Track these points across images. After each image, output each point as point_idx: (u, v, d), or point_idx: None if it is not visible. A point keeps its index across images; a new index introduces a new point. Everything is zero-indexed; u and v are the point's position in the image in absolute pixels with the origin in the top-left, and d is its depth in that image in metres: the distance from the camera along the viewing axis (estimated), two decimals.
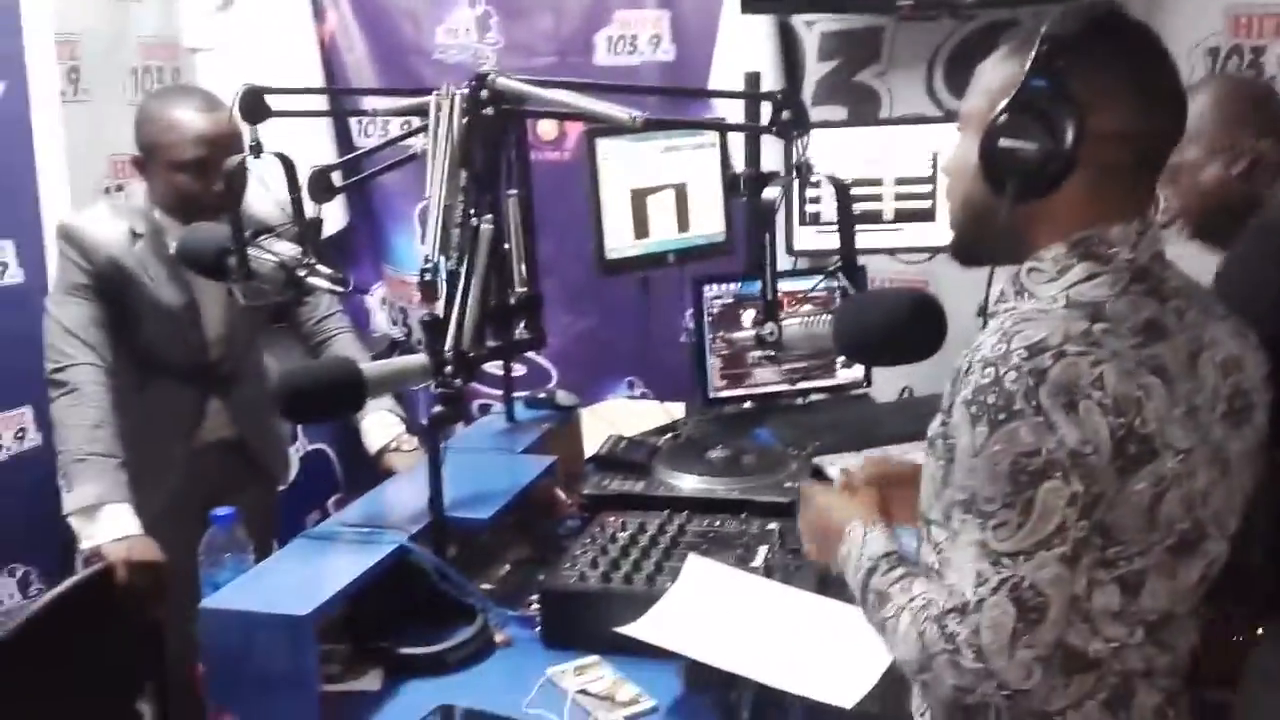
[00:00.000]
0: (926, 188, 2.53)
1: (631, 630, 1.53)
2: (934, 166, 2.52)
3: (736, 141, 2.47)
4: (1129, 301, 1.09)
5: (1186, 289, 1.16)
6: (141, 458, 2.22)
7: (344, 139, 3.30)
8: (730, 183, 2.21)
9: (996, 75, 1.14)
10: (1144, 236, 1.12)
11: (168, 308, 2.29)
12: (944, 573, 1.10)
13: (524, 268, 2.08)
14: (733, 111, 2.58)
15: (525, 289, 2.09)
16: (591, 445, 2.31)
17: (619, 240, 2.32)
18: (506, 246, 2.04)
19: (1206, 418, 1.10)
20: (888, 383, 2.59)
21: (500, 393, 2.33)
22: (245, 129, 2.00)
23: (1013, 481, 1.01)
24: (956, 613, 1.04)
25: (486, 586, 1.83)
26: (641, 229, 2.36)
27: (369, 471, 2.39)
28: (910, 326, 1.42)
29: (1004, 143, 1.08)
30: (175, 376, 2.36)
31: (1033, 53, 1.06)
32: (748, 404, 2.51)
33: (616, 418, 2.42)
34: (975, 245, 1.19)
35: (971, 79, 1.20)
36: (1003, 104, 1.08)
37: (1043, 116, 1.06)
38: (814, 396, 2.53)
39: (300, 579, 1.60)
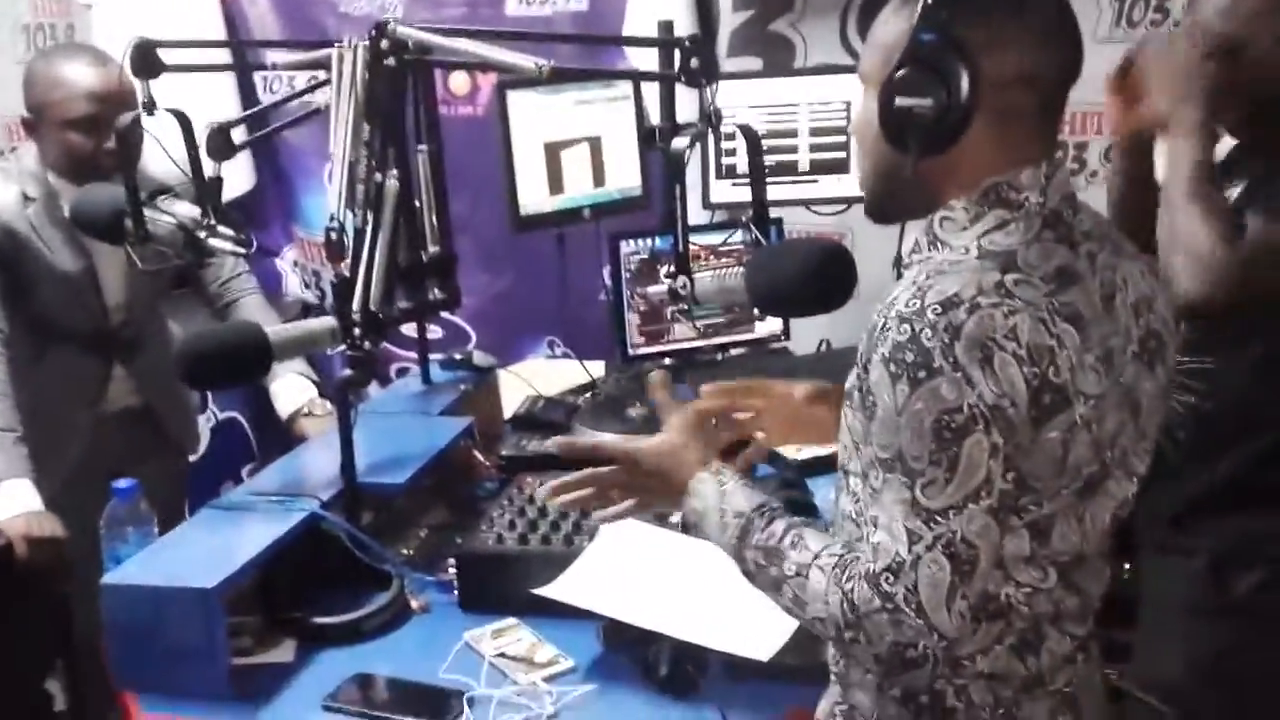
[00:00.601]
0: (840, 138, 2.52)
1: (548, 591, 1.52)
2: (847, 118, 2.51)
3: (653, 93, 2.44)
4: (1040, 249, 1.08)
5: (1098, 231, 1.15)
6: (43, 428, 2.14)
7: (249, 96, 3.19)
8: (645, 135, 2.18)
9: (888, 31, 1.12)
10: (1052, 180, 1.11)
11: (64, 273, 2.21)
12: (864, 530, 1.09)
13: (436, 225, 2.04)
14: (647, 61, 2.54)
15: (438, 248, 2.04)
16: (510, 406, 2.28)
17: (533, 196, 2.27)
18: (417, 204, 2.00)
19: (1119, 360, 1.11)
20: (806, 335, 2.59)
21: (417, 355, 2.28)
22: (138, 85, 1.92)
23: (937, 438, 1.01)
24: (889, 572, 1.03)
25: (405, 551, 1.80)
26: (556, 184, 2.31)
27: (283, 440, 2.34)
28: (821, 277, 1.41)
29: (900, 101, 1.06)
30: (75, 344, 2.28)
31: (918, 6, 1.05)
32: (667, 360, 2.49)
33: (536, 377, 2.39)
34: (887, 203, 1.18)
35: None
36: (895, 65, 1.07)
37: (935, 70, 1.04)
38: (733, 351, 2.52)
39: (206, 551, 1.56)
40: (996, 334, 1.00)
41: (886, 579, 1.04)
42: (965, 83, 1.04)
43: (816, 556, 1.10)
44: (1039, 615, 1.13)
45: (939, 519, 1.02)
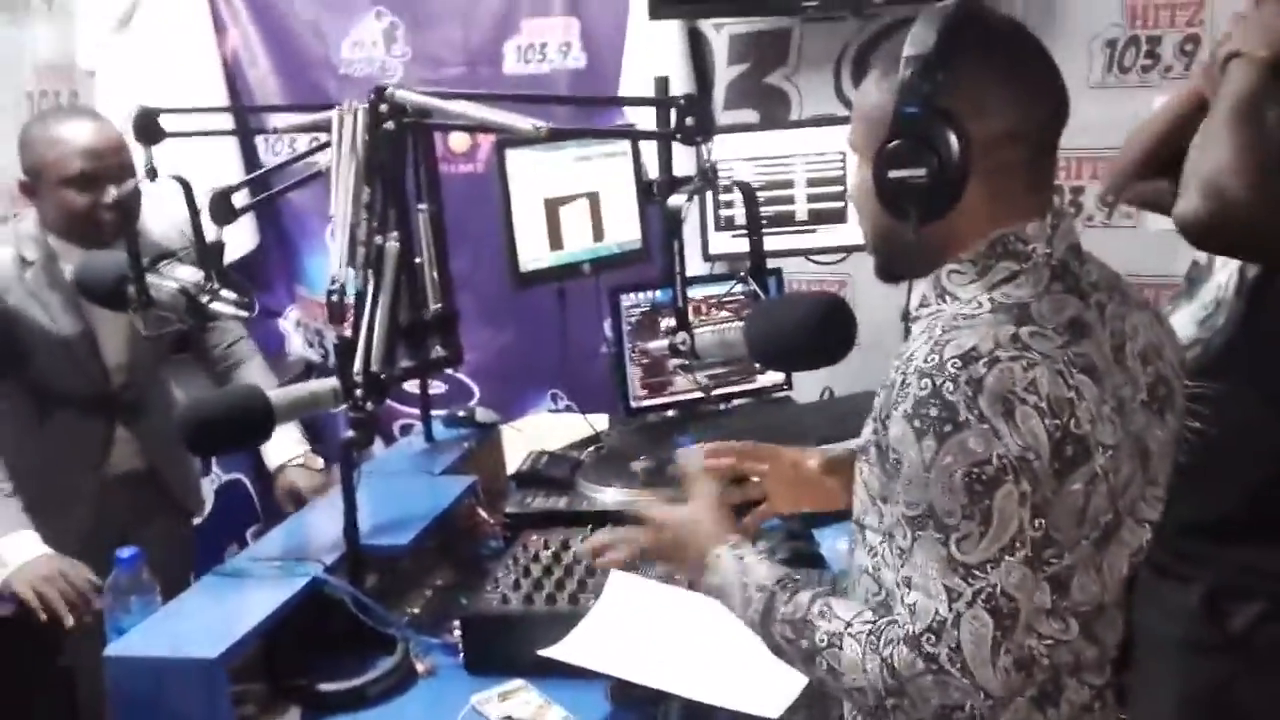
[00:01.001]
0: (837, 188, 2.53)
1: (554, 652, 1.50)
2: (843, 168, 2.53)
3: (651, 147, 2.46)
4: (1052, 301, 1.08)
5: (1105, 281, 1.16)
6: (47, 492, 2.14)
7: (251, 158, 3.22)
8: (644, 189, 2.20)
9: (872, 102, 1.13)
10: (1058, 230, 1.12)
11: (62, 337, 2.21)
12: (900, 593, 1.06)
13: (438, 283, 2.04)
14: (645, 117, 2.57)
15: (439, 305, 2.05)
16: (514, 461, 2.27)
17: (533, 252, 2.28)
18: (419, 261, 2.01)
19: (1130, 409, 1.11)
20: (809, 384, 2.59)
21: (420, 412, 2.28)
22: (140, 152, 1.94)
23: (969, 492, 1.00)
24: (931, 632, 1.02)
25: (413, 611, 1.79)
26: (556, 240, 2.32)
27: None
28: (820, 332, 1.41)
29: (894, 174, 1.08)
30: (76, 407, 2.28)
31: (899, 78, 1.07)
32: (670, 412, 2.49)
33: (539, 432, 2.39)
34: (895, 264, 1.19)
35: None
36: (883, 136, 1.08)
37: (924, 141, 1.06)
38: (736, 401, 2.52)
39: (209, 619, 1.54)
40: (1017, 387, 1.00)
41: (929, 639, 1.02)
42: (955, 149, 1.05)
43: (848, 625, 1.09)
44: (1059, 666, 1.12)
45: (977, 573, 1.01)
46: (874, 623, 1.07)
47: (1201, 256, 1.79)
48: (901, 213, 1.09)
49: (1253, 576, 1.68)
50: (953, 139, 1.05)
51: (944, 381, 1.01)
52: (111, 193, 2.10)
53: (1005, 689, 1.02)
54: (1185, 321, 1.74)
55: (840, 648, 1.09)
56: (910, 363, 1.05)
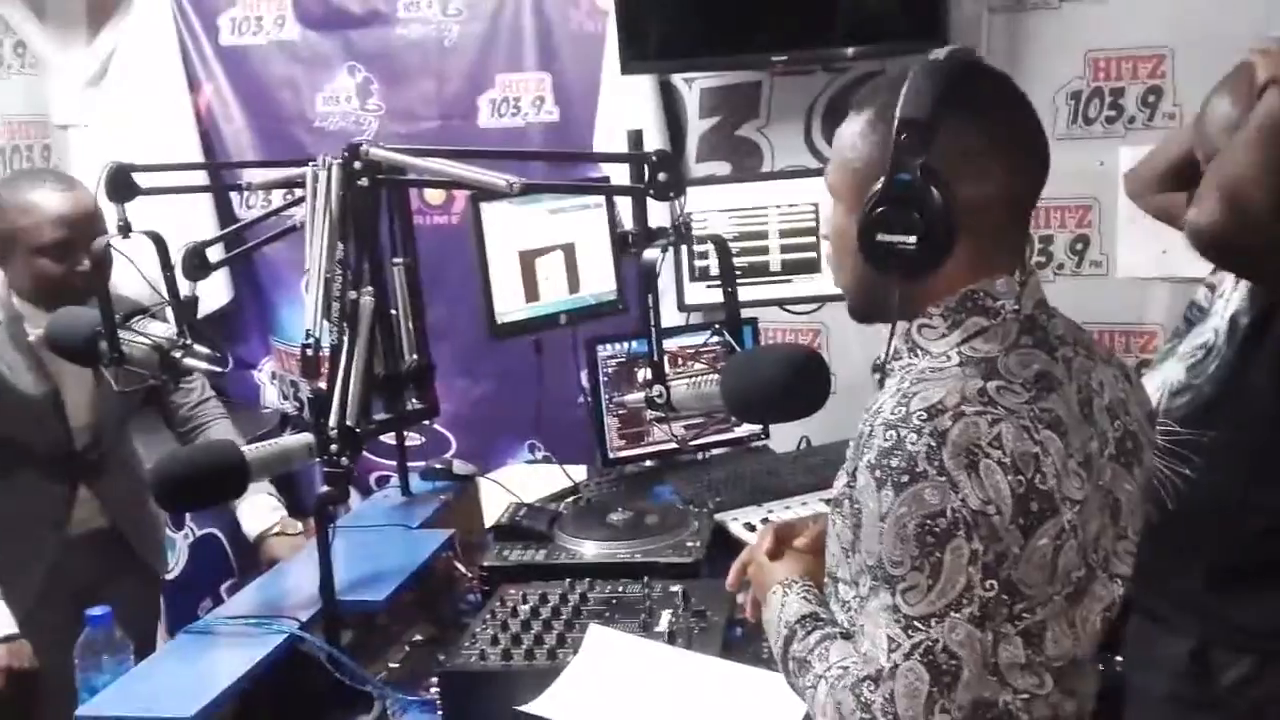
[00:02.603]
0: (810, 239, 2.55)
1: (533, 708, 1.49)
2: (816, 219, 2.55)
3: (625, 198, 2.48)
4: (1019, 356, 1.09)
5: (1070, 335, 1.17)
6: (8, 552, 2.11)
7: (225, 213, 3.23)
8: (619, 241, 2.21)
9: (857, 152, 1.13)
10: (1026, 286, 1.13)
11: (27, 397, 2.19)
12: (858, 640, 1.08)
13: (413, 335, 2.04)
14: (619, 170, 2.60)
15: (415, 357, 2.05)
16: (492, 513, 2.26)
17: (509, 303, 2.29)
18: (394, 313, 2.01)
19: (1098, 464, 1.11)
20: (786, 434, 2.59)
21: (396, 465, 2.27)
22: (112, 208, 1.94)
23: (919, 544, 1.01)
24: (871, 680, 1.03)
25: (392, 666, 1.78)
26: (532, 291, 2.33)
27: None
28: (794, 386, 1.42)
29: (882, 238, 1.07)
30: (37, 467, 2.25)
31: (891, 142, 1.05)
32: (648, 462, 2.49)
33: (517, 484, 2.38)
34: (869, 310, 1.19)
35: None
36: (871, 195, 1.07)
37: (913, 205, 1.05)
38: (714, 451, 2.52)
39: (183, 678, 1.52)
40: (982, 441, 1.01)
41: (868, 687, 1.03)
42: (945, 214, 1.05)
43: (829, 668, 1.10)
44: None
45: (919, 625, 1.01)
46: (846, 669, 1.08)
47: (1202, 298, 1.80)
48: (886, 270, 1.09)
49: (1241, 633, 1.67)
50: (942, 204, 1.04)
51: (908, 433, 1.02)
52: (85, 262, 2.08)
53: None
54: (1175, 365, 1.76)
55: (815, 689, 1.11)
56: (878, 415, 1.06)
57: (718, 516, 2.13)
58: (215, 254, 2.07)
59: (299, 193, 1.89)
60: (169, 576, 2.69)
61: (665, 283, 2.10)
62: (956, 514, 1.00)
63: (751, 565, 1.35)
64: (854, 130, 1.14)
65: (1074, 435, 1.07)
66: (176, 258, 1.94)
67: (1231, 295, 1.72)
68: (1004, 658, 1.07)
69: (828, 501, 1.19)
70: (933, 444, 1.01)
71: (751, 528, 2.11)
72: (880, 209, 1.07)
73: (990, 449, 1.01)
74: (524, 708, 1.49)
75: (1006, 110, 1.12)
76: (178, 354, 1.89)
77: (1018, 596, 1.05)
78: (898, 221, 1.06)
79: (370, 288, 1.80)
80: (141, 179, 1.99)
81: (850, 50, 2.74)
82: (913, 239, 1.05)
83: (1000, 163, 1.09)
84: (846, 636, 1.15)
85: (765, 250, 2.59)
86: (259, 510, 2.28)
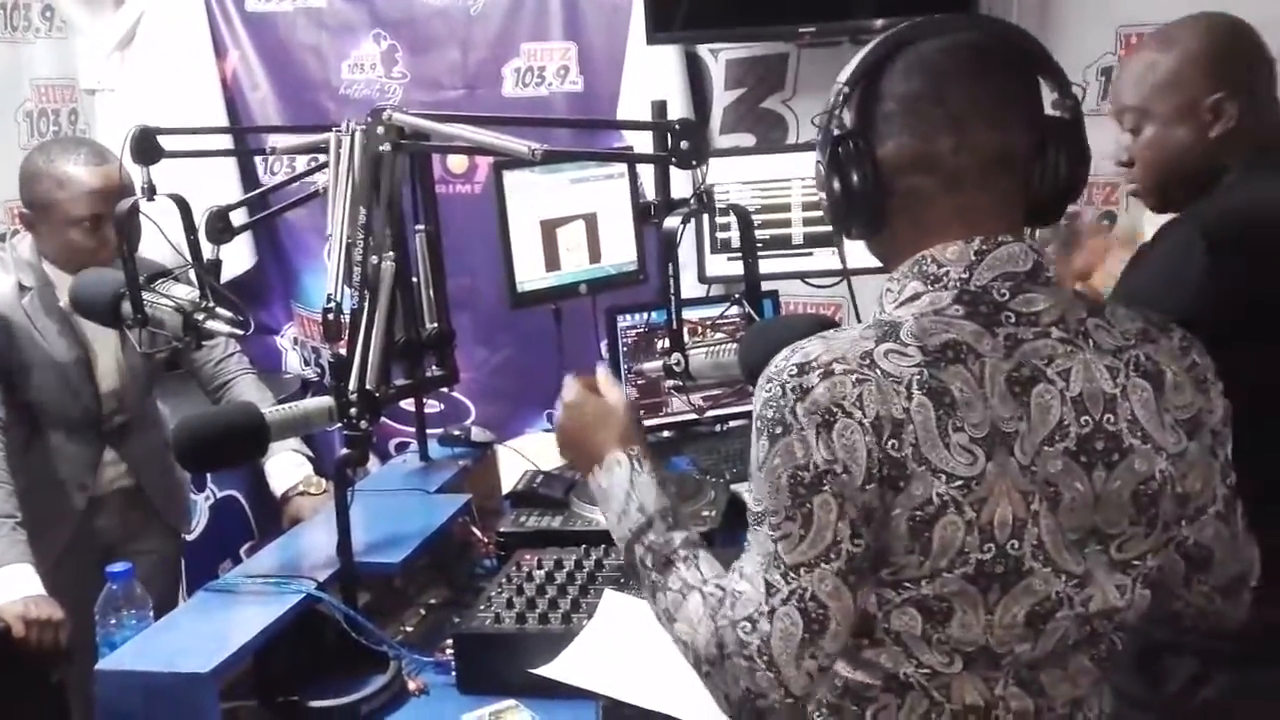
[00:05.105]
0: None
1: (547, 671, 1.50)
2: None
3: (648, 169, 2.47)
4: (935, 321, 1.07)
5: (1050, 318, 1.09)
6: (36, 511, 2.13)
7: (250, 178, 3.24)
8: (641, 211, 2.21)
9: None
10: (985, 258, 1.09)
11: (58, 361, 2.23)
12: (735, 569, 1.09)
13: (434, 302, 2.05)
14: (642, 140, 2.59)
15: (435, 325, 2.06)
16: (509, 480, 2.27)
17: (530, 272, 2.29)
18: (415, 280, 2.01)
19: (1028, 448, 1.05)
20: None
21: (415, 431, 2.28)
22: (138, 171, 1.95)
23: (792, 494, 1.03)
24: (749, 621, 1.04)
25: (406, 629, 1.79)
26: (552, 261, 2.34)
27: (281, 519, 2.33)
28: None
29: (822, 195, 1.15)
30: (66, 429, 2.29)
31: (831, 101, 1.13)
32: (666, 433, 2.49)
33: (535, 452, 2.39)
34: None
35: None
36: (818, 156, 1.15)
37: (845, 161, 1.12)
38: (732, 423, 2.52)
39: (202, 635, 1.54)
40: (845, 401, 1.02)
41: (745, 628, 1.04)
42: (864, 172, 1.11)
43: (704, 582, 1.11)
44: (970, 707, 1.09)
45: (793, 574, 1.03)
46: (727, 592, 1.08)
47: None
48: (838, 227, 1.16)
49: (1185, 632, 1.50)
50: (864, 161, 1.11)
51: (776, 386, 1.05)
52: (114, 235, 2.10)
53: (804, 690, 1.04)
54: None
55: (684, 598, 1.11)
56: (771, 366, 1.09)
57: (734, 487, 2.13)
58: (239, 218, 2.08)
59: (322, 158, 1.90)
60: (189, 538, 2.72)
61: (686, 255, 2.10)
62: (818, 468, 1.02)
63: (589, 404, 1.31)
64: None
65: (970, 409, 1.04)
66: (200, 221, 1.95)
67: None
68: (898, 626, 1.07)
69: None
70: (793, 399, 1.03)
71: None
72: (822, 165, 1.14)
73: (852, 409, 1.02)
74: (538, 670, 1.51)
75: (935, 76, 1.10)
76: (200, 316, 1.90)
77: (885, 563, 1.05)
78: (823, 178, 1.14)
79: (391, 253, 1.81)
80: (166, 142, 1.99)
81: (879, 22, 2.70)
82: (837, 189, 1.12)
83: (918, 127, 1.10)
84: (709, 551, 1.15)
85: (788, 223, 2.59)
86: (284, 466, 2.31)
